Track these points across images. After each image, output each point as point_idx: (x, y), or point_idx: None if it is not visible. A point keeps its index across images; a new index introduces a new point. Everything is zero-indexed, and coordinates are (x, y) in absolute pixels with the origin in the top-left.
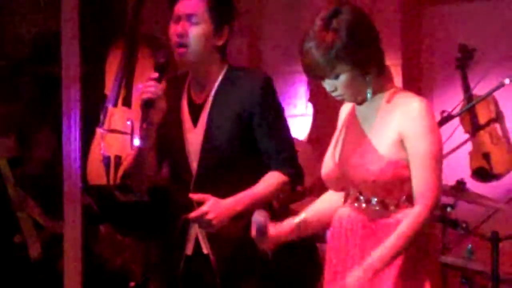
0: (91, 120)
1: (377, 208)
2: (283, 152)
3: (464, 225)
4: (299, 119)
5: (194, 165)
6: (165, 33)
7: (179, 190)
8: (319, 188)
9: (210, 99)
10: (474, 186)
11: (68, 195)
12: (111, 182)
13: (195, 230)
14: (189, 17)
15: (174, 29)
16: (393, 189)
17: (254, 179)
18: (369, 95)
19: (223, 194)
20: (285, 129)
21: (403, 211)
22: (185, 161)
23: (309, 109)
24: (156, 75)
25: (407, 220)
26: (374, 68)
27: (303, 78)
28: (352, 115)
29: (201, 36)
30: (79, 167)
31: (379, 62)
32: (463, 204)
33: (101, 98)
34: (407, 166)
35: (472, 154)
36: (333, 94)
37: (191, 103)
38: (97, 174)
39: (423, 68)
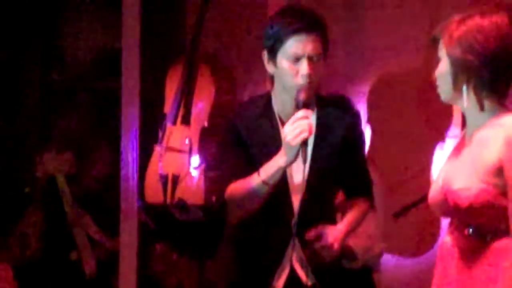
0: (150, 138)
1: (474, 236)
2: (367, 180)
3: None
4: None
5: (295, 198)
6: (225, 48)
7: (275, 223)
8: None
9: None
10: None
11: (124, 212)
12: (168, 200)
13: (289, 262)
14: (313, 57)
15: (298, 69)
16: (489, 217)
17: (334, 208)
18: (457, 102)
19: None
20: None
21: (501, 241)
22: (285, 194)
23: (367, 131)
24: (309, 112)
25: (505, 262)
26: (473, 82)
27: (363, 99)
28: (465, 135)
29: (321, 73)
30: (137, 184)
31: (486, 83)
32: None
33: (160, 115)
34: (505, 194)
35: None
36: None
37: None
38: (154, 192)
39: None
